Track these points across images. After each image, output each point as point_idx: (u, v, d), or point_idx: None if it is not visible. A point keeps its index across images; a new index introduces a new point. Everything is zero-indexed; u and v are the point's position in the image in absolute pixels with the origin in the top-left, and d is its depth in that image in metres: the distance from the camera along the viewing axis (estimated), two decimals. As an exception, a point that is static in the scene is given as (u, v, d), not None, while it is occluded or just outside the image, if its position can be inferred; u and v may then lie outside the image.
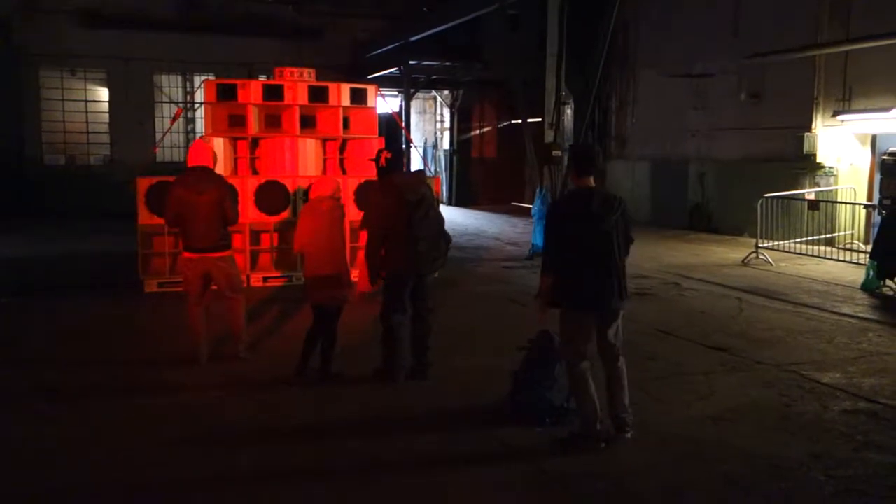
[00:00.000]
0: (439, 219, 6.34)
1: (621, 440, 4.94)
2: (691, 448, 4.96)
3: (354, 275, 6.96)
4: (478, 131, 24.68)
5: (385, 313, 6.16)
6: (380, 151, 6.54)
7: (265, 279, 10.23)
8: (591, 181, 4.99)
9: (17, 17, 19.29)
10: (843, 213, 13.24)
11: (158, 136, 19.70)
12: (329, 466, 4.74)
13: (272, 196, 10.21)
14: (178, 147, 21.00)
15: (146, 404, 5.75)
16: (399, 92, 21.45)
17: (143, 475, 4.57)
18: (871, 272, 9.91)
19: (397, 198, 6.04)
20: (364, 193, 8.73)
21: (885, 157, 12.22)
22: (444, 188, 23.97)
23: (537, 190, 13.12)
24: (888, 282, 9.84)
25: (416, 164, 21.53)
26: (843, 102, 13.52)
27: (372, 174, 7.10)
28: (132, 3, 20.00)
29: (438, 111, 26.09)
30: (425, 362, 6.26)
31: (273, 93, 10.82)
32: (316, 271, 6.29)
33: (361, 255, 7.96)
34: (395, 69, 20.08)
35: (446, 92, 24.63)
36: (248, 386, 6.19)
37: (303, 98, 10.84)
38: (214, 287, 6.74)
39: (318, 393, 5.98)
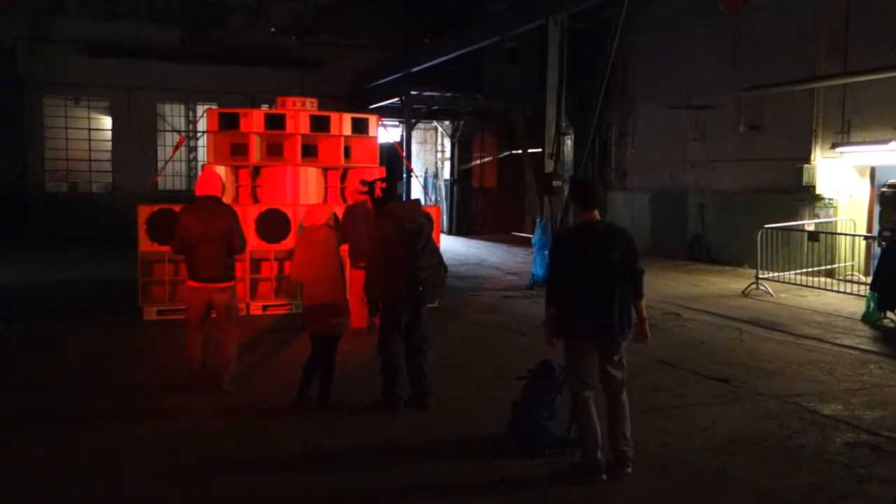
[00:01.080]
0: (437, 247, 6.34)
1: (621, 473, 4.90)
2: (692, 479, 4.92)
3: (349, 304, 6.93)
4: (478, 161, 24.80)
5: (383, 343, 6.13)
6: (371, 182, 6.51)
7: (265, 307, 10.21)
8: (597, 214, 5.03)
9: (22, 47, 19.51)
10: (843, 244, 13.27)
11: (160, 164, 19.81)
12: (327, 496, 4.70)
13: (273, 224, 10.23)
14: (180, 175, 21.13)
15: (143, 431, 5.70)
16: (400, 122, 21.61)
17: (139, 502, 4.53)
18: (872, 304, 9.90)
19: (397, 228, 6.02)
20: (350, 219, 8.20)
21: (884, 189, 12.26)
22: (445, 217, 24.03)
23: (537, 220, 13.15)
24: (889, 313, 9.82)
25: (416, 193, 21.64)
26: (842, 135, 13.60)
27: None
28: (136, 33, 20.23)
29: (439, 141, 26.26)
30: (425, 392, 6.23)
31: (275, 122, 10.88)
32: (313, 300, 6.29)
33: (356, 287, 7.88)
34: (396, 99, 20.24)
35: (447, 122, 24.81)
36: (246, 414, 6.16)
37: (304, 127, 10.90)
38: (213, 315, 6.73)
39: (316, 422, 5.94)
